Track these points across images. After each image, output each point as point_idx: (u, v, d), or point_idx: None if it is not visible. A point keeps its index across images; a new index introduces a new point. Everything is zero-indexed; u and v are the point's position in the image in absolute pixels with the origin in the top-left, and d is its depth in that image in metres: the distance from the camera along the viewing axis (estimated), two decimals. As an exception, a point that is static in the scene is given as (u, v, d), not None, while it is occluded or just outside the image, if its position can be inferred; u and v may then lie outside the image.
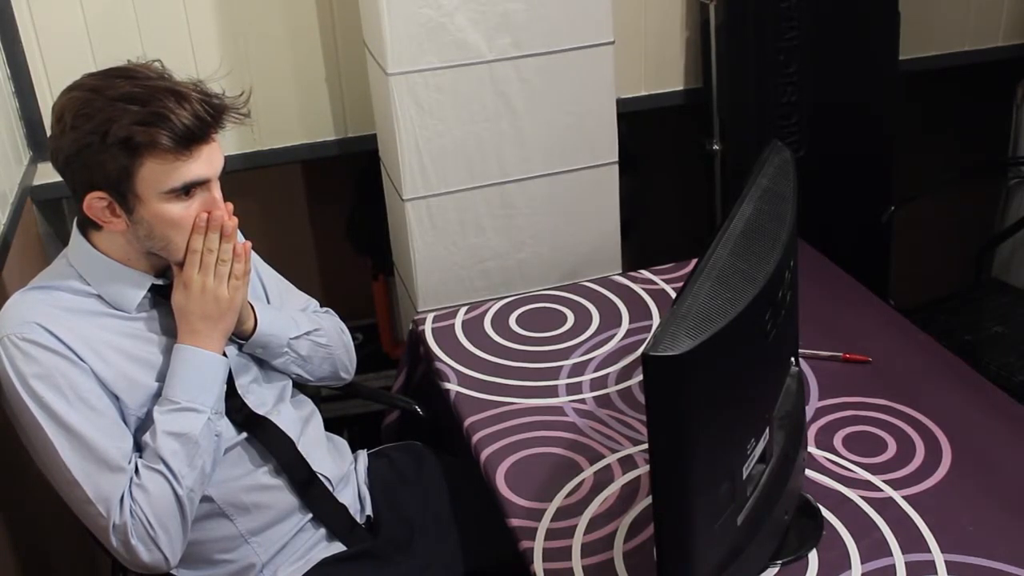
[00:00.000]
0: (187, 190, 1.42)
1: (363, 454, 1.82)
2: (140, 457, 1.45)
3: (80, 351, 1.43)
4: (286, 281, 1.79)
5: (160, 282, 1.52)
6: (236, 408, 1.56)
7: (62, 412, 1.40)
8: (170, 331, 1.52)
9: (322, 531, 1.64)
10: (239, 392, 1.57)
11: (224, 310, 1.49)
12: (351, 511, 1.68)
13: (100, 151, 1.37)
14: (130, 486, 1.42)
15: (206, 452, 1.46)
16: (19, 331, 1.41)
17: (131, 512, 1.41)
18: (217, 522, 1.56)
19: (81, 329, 1.44)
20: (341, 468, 1.72)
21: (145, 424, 1.47)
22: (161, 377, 1.49)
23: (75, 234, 1.51)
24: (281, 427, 1.60)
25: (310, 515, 1.63)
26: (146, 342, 1.50)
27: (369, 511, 1.73)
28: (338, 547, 1.64)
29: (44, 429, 1.40)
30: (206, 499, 1.53)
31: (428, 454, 1.85)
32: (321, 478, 1.64)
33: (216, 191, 1.46)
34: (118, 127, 1.35)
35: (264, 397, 1.62)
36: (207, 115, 1.40)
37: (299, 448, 1.61)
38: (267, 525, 1.59)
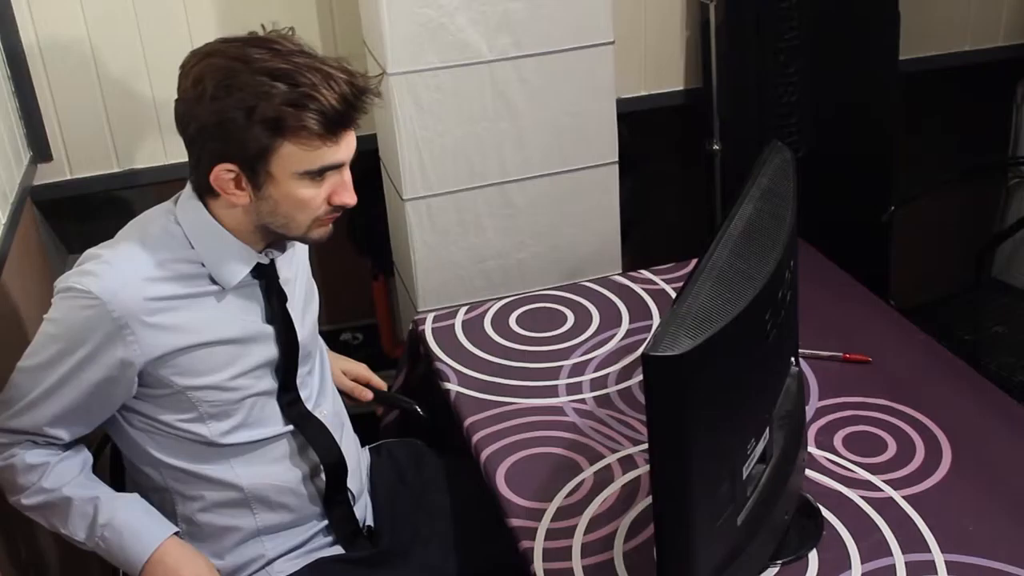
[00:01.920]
0: (321, 172, 1.40)
1: (365, 453, 1.81)
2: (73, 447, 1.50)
3: (138, 330, 1.39)
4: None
5: (265, 260, 1.50)
6: (290, 401, 1.55)
7: (55, 359, 1.41)
8: (258, 310, 1.51)
9: (330, 538, 1.64)
10: (297, 384, 1.56)
11: None
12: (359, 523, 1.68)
13: (243, 127, 1.32)
14: (25, 446, 1.47)
15: (59, 519, 1.48)
16: (103, 293, 1.37)
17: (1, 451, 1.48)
18: (238, 512, 1.55)
19: (170, 309, 1.42)
20: (364, 484, 1.72)
21: (197, 395, 1.47)
22: (237, 354, 1.48)
23: (189, 195, 1.46)
24: (327, 425, 1.60)
25: (325, 522, 1.63)
26: (234, 317, 1.48)
27: (370, 521, 1.72)
28: (338, 550, 1.64)
29: (39, 347, 1.43)
30: (234, 488, 1.53)
31: (427, 452, 1.85)
32: (349, 491, 1.64)
33: (347, 174, 1.44)
34: (267, 106, 1.31)
35: (312, 390, 1.62)
36: (353, 98, 1.36)
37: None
38: (284, 527, 1.58)
